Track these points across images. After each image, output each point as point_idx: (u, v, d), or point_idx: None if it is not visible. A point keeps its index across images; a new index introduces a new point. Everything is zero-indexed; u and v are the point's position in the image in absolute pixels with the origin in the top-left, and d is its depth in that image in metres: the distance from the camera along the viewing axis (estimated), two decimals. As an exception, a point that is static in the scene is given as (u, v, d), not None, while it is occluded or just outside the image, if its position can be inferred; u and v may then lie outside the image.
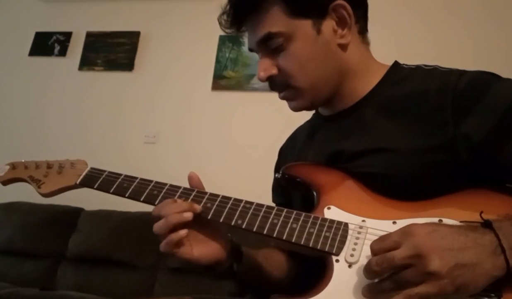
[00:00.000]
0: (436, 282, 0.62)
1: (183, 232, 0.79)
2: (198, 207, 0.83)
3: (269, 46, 0.88)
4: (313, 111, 1.08)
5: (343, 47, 0.90)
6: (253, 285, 0.97)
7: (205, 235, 0.84)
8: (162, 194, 0.87)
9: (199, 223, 0.83)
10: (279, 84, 0.92)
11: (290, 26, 0.87)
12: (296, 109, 0.94)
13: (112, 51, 3.23)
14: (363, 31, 0.94)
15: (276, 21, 0.87)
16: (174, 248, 0.80)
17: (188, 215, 0.80)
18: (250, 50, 0.95)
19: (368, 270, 0.67)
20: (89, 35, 3.31)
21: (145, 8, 3.26)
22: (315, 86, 0.90)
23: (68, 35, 3.36)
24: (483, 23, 2.62)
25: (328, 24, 0.88)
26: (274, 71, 0.90)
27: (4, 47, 3.45)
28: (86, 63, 3.26)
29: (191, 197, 0.86)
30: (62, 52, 3.32)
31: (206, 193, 0.87)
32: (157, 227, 0.80)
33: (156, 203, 0.86)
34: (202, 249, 0.83)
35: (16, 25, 3.48)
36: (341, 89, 0.93)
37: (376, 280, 0.68)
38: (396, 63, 0.96)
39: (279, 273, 1.00)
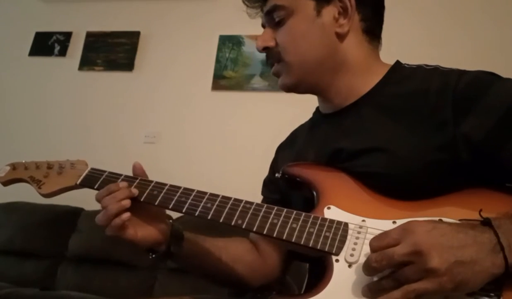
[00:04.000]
0: (435, 279, 0.62)
1: (125, 216, 0.84)
2: (136, 191, 0.88)
3: (274, 18, 0.93)
4: (313, 111, 1.08)
5: (340, 36, 0.92)
6: (198, 269, 1.02)
7: (144, 219, 0.89)
8: (162, 194, 0.88)
9: (139, 208, 0.88)
10: (273, 56, 0.95)
11: (294, 2, 0.92)
12: (283, 85, 0.97)
13: (112, 51, 3.23)
14: (370, 31, 0.95)
15: None
16: (118, 232, 0.85)
17: (126, 203, 0.85)
18: (263, 26, 0.99)
19: (367, 267, 0.68)
20: (89, 35, 3.31)
21: (145, 8, 3.26)
22: (303, 64, 0.92)
23: (68, 35, 3.35)
24: (483, 23, 2.62)
25: (330, 10, 0.91)
26: (271, 43, 0.94)
27: (4, 47, 3.44)
28: (86, 63, 3.26)
29: (191, 197, 0.87)
30: (62, 52, 3.32)
31: (206, 193, 0.87)
32: (99, 219, 0.85)
33: (156, 203, 0.87)
34: (143, 231, 0.88)
35: (16, 25, 3.48)
36: (337, 83, 0.94)
37: (375, 279, 0.68)
38: (397, 63, 0.96)
39: (234, 263, 1.01)
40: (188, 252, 0.94)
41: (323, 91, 0.96)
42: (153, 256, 0.93)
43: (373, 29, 0.96)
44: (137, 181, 0.91)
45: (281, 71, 0.95)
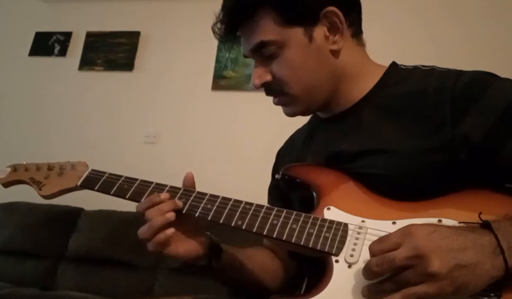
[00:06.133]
0: (435, 282, 0.62)
1: (170, 232, 0.82)
2: (180, 203, 0.85)
3: (263, 53, 0.90)
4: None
5: (336, 53, 0.90)
6: (233, 282, 0.99)
7: (185, 232, 0.87)
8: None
9: (180, 220, 0.85)
10: (274, 90, 0.93)
11: (282, 34, 0.87)
12: (290, 115, 0.96)
13: (112, 51, 3.23)
14: (357, 33, 0.94)
15: (268, 30, 0.88)
16: (161, 247, 0.83)
17: (171, 215, 0.82)
18: (245, 56, 0.96)
19: (368, 271, 0.68)
20: (89, 35, 3.31)
21: (145, 8, 3.26)
22: (308, 93, 0.91)
23: (68, 35, 3.36)
24: (481, 23, 2.62)
25: (320, 31, 0.89)
26: (268, 78, 0.91)
27: (4, 47, 3.44)
28: (86, 63, 3.26)
29: (191, 198, 0.86)
30: (62, 52, 3.32)
31: (206, 194, 0.87)
32: (142, 232, 0.83)
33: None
34: (185, 245, 0.86)
35: (16, 25, 3.48)
36: (337, 94, 0.93)
37: (375, 281, 0.68)
38: (393, 64, 0.96)
39: (263, 273, 1.00)
40: (225, 264, 0.93)
41: (326, 105, 0.95)
42: (192, 270, 0.90)
43: (359, 29, 0.95)
44: (181, 191, 0.88)
45: (287, 103, 0.93)
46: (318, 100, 0.93)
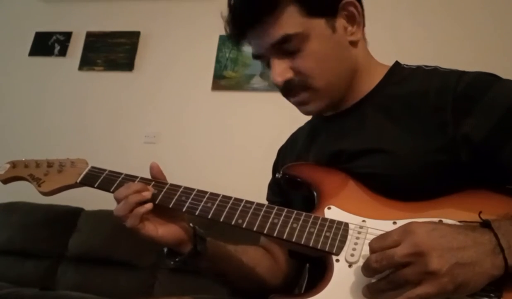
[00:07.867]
0: (435, 281, 0.62)
1: (149, 205, 0.83)
2: (151, 189, 0.86)
3: (284, 49, 0.85)
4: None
5: (354, 44, 0.91)
6: (221, 272, 0.98)
7: (165, 219, 0.87)
8: (162, 193, 0.88)
9: (159, 209, 0.86)
10: (295, 87, 0.88)
11: (305, 26, 0.84)
12: (311, 112, 0.94)
13: (112, 51, 3.23)
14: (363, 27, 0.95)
15: (292, 22, 0.84)
16: (139, 222, 0.82)
17: (147, 194, 0.83)
18: (255, 57, 0.92)
19: (367, 268, 0.67)
20: (89, 35, 3.32)
21: (145, 8, 3.26)
22: (332, 86, 0.89)
23: (68, 35, 3.36)
24: (483, 23, 2.62)
25: (340, 22, 0.89)
26: (290, 75, 0.87)
27: (4, 47, 3.45)
28: (86, 63, 3.26)
29: (192, 196, 0.86)
30: (62, 52, 3.32)
31: (206, 192, 0.87)
32: (117, 209, 0.83)
33: (156, 202, 0.87)
34: (165, 228, 0.86)
35: (16, 25, 3.48)
36: (348, 89, 0.93)
37: (374, 280, 0.68)
38: (397, 63, 0.96)
39: (254, 267, 1.00)
40: (212, 254, 0.92)
41: (341, 101, 0.94)
42: (177, 260, 0.89)
43: (364, 25, 0.95)
44: (152, 183, 0.89)
45: (309, 99, 0.90)
46: (338, 94, 0.91)
